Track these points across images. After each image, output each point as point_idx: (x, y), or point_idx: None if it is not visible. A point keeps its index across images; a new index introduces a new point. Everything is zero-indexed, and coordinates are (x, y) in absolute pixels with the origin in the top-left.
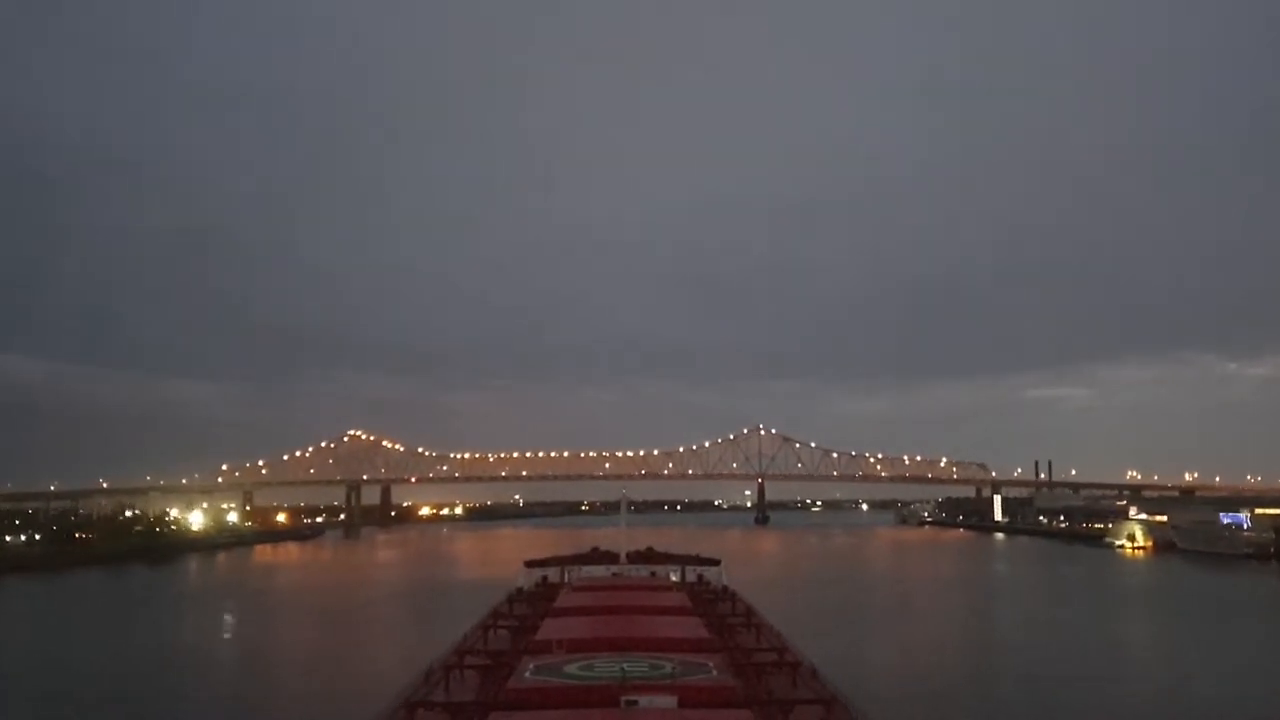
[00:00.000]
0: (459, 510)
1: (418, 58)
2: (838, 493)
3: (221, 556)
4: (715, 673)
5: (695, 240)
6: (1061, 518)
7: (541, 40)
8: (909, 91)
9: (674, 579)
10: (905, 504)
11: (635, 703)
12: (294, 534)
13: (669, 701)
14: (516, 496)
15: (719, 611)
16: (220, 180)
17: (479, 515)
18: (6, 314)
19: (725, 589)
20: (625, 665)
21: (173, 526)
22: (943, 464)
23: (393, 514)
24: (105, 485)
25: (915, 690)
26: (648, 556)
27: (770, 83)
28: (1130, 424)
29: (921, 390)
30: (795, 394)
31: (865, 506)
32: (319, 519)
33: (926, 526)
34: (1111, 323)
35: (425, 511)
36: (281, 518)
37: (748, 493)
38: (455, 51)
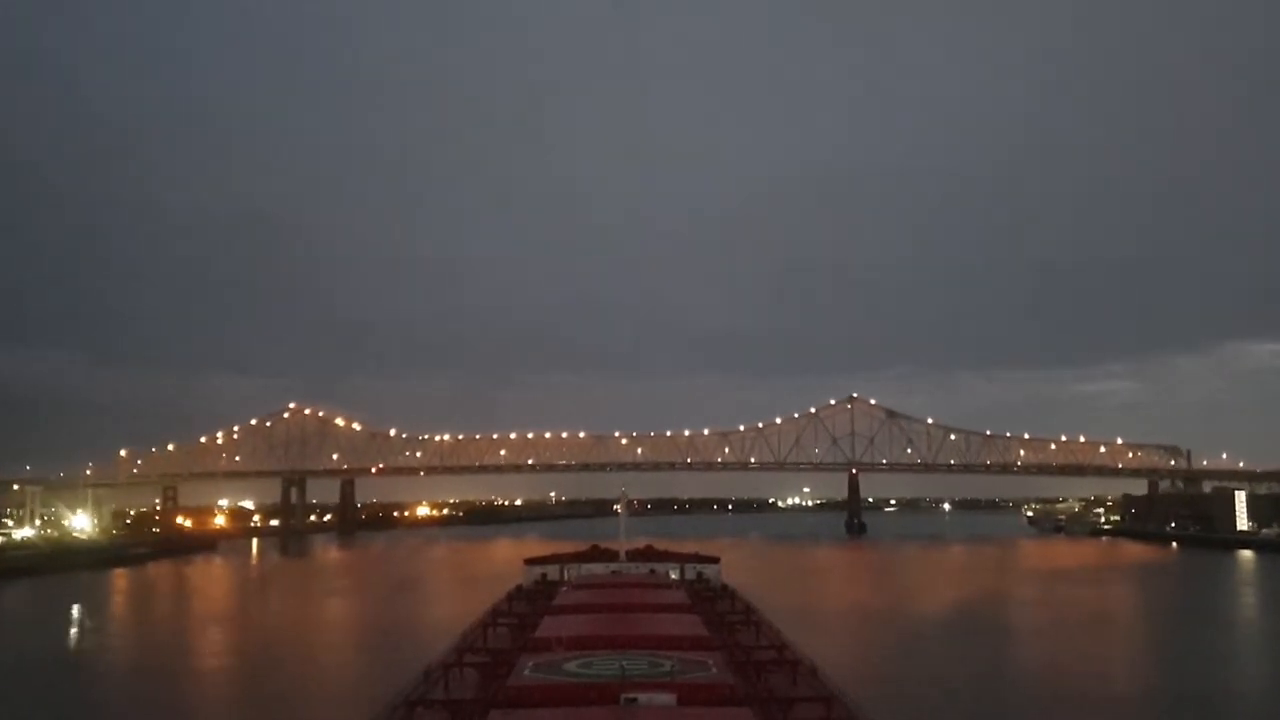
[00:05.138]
0: (457, 510)
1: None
2: (904, 489)
3: None
4: (715, 670)
5: (755, 223)
6: None
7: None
8: (1016, 61)
9: (674, 577)
10: (1041, 503)
11: (635, 700)
12: (110, 557)
13: (668, 699)
14: (552, 493)
15: (718, 609)
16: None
17: (479, 518)
18: None
19: (725, 587)
20: (625, 663)
21: None
22: (1103, 451)
23: (361, 518)
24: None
25: None
26: (647, 554)
27: (861, 51)
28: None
29: (998, 380)
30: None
31: (948, 507)
32: (273, 521)
33: (1104, 538)
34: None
35: (424, 512)
36: (221, 520)
37: (807, 490)
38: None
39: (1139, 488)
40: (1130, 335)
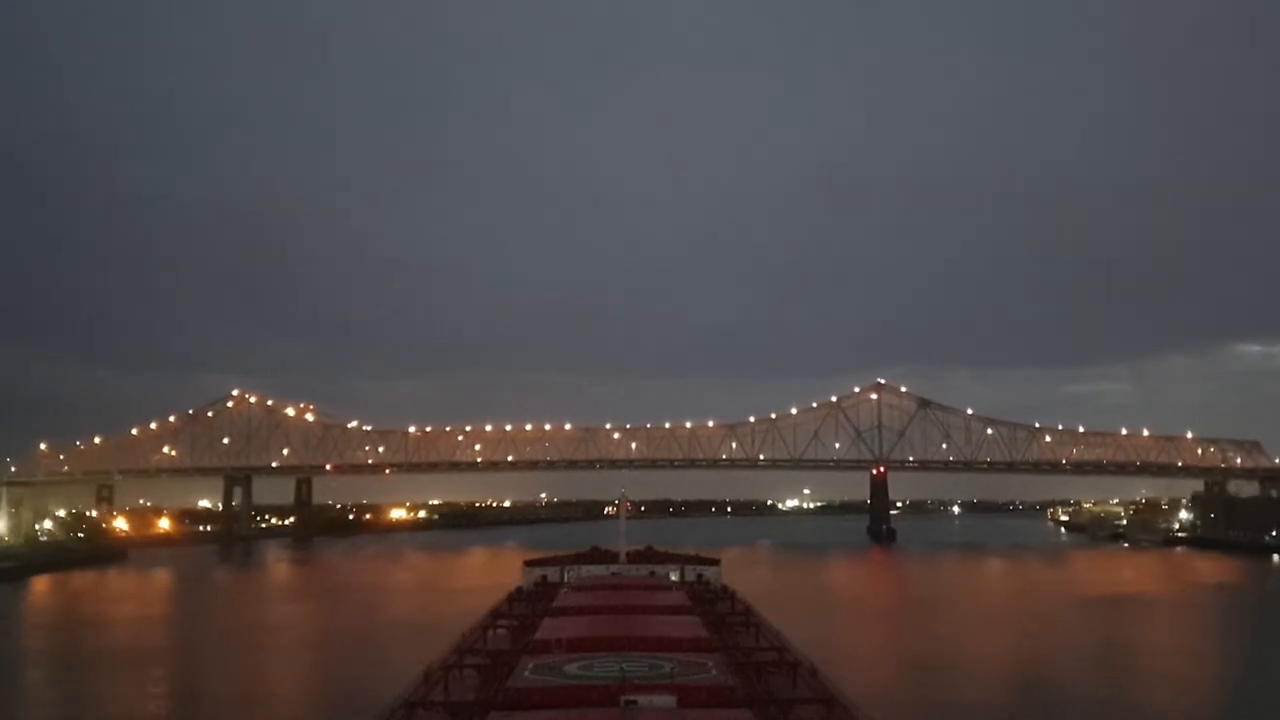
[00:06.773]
0: (434, 513)
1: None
2: (910, 489)
3: None
4: (714, 672)
5: (755, 222)
6: None
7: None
8: (1019, 65)
9: (673, 578)
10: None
11: (634, 702)
12: None
13: (668, 701)
14: (542, 494)
15: (718, 611)
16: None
17: (457, 521)
18: None
19: (724, 588)
20: (624, 665)
21: None
22: (1153, 446)
23: (329, 520)
24: None
25: None
26: (647, 556)
27: (864, 52)
28: None
29: (991, 381)
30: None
31: (957, 509)
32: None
33: (1179, 549)
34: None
35: (399, 514)
36: (165, 523)
37: (807, 491)
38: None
39: (1180, 489)
40: (1123, 337)
